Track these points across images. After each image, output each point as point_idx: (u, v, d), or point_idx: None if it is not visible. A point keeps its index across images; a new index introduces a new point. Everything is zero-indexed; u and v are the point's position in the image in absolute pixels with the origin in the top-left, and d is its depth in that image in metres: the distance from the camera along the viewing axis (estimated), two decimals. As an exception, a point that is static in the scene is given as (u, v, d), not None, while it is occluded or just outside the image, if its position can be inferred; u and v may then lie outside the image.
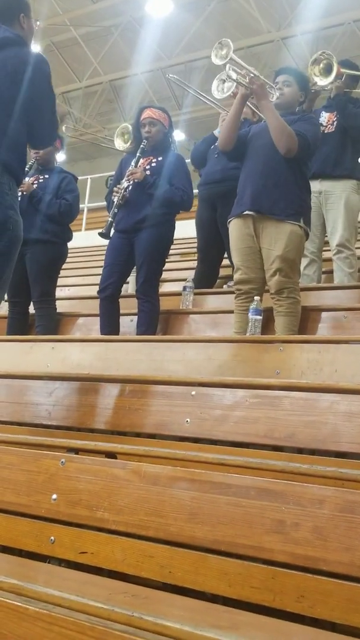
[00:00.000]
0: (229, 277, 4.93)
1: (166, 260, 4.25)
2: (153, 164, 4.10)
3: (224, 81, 4.42)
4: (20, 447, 2.18)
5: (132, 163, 4.12)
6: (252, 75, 3.56)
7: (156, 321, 4.02)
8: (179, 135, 13.52)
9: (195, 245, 5.16)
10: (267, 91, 3.60)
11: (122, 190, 4.06)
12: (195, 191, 5.00)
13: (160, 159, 4.11)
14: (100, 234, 4.18)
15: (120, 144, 5.48)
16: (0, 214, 2.71)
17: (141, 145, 4.15)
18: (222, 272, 5.05)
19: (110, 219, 4.11)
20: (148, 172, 4.06)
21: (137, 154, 4.15)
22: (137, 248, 3.99)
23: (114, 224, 4.09)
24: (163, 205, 4.00)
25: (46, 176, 4.54)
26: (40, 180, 4.51)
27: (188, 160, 4.92)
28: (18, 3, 2.92)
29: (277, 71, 3.86)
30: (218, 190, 4.55)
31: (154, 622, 1.21)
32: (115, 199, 4.07)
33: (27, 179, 4.48)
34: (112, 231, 4.10)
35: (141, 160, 4.13)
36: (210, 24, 12.82)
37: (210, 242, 4.79)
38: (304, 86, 3.79)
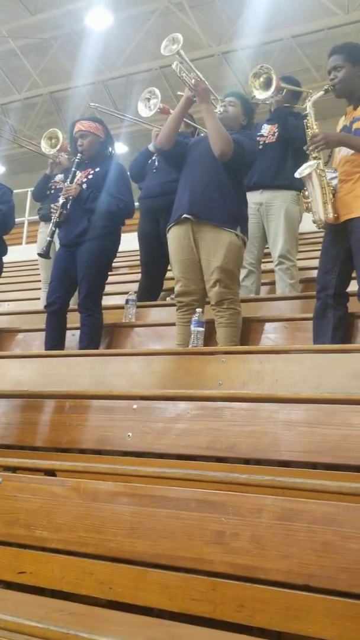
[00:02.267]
0: (172, 290, 4.95)
1: (109, 273, 4.24)
2: (90, 176, 4.08)
3: (148, 99, 4.49)
4: None
5: (68, 179, 4.12)
6: (198, 78, 3.62)
7: (99, 336, 3.99)
8: (121, 148, 13.54)
9: (137, 258, 5.16)
10: (210, 97, 3.65)
11: (59, 208, 4.04)
12: (136, 204, 5.02)
13: (97, 169, 4.10)
14: (39, 254, 4.15)
15: (45, 148, 5.44)
16: None
17: (75, 160, 4.14)
18: (165, 284, 5.06)
19: (49, 239, 4.10)
20: (85, 186, 4.04)
21: (73, 169, 4.14)
22: (79, 262, 3.97)
23: (56, 241, 4.07)
24: (102, 218, 3.99)
25: None
26: None
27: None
28: None
29: (227, 93, 3.93)
30: (158, 203, 4.57)
31: (88, 638, 1.20)
32: (53, 217, 4.06)
33: None
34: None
35: (79, 174, 4.12)
36: (150, 37, 12.89)
37: (153, 255, 4.80)
38: (248, 113, 3.86)
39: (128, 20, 12.78)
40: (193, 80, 3.62)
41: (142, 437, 2.56)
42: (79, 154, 4.12)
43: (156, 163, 4.75)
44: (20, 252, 8.06)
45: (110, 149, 4.23)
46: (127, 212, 4.09)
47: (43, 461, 2.13)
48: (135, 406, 2.62)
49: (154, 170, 4.74)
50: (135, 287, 4.87)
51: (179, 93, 4.10)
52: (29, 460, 2.15)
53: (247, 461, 2.40)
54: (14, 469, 2.05)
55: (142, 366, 3.35)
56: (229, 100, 3.80)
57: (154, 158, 4.80)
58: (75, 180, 4.09)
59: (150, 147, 4.87)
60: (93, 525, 1.82)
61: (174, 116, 3.73)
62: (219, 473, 2.01)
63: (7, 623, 1.26)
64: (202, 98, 3.61)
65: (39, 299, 5.54)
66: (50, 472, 2.06)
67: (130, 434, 2.57)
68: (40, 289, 5.62)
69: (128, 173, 4.47)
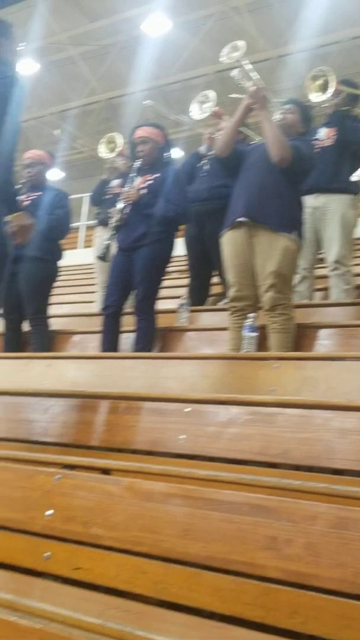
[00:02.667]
0: (221, 295, 4.96)
1: (164, 277, 4.28)
2: (149, 182, 4.14)
3: (202, 103, 4.52)
4: (15, 464, 2.19)
5: (127, 184, 4.17)
6: (258, 85, 3.64)
7: (153, 339, 4.03)
8: (177, 153, 13.63)
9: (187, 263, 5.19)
10: (268, 102, 3.67)
11: (119, 212, 4.11)
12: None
13: (156, 175, 4.15)
14: (98, 257, 4.23)
15: (103, 152, 5.51)
16: None
17: (136, 165, 4.20)
18: (214, 289, 5.09)
19: (107, 242, 4.16)
20: (144, 191, 4.10)
21: (131, 175, 4.20)
22: (135, 266, 4.03)
23: (113, 245, 4.14)
24: (159, 223, 4.04)
25: (38, 194, 4.59)
26: (32, 198, 4.56)
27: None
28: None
29: (285, 100, 3.93)
30: (205, 208, 4.58)
31: (145, 637, 1.22)
32: (112, 222, 4.13)
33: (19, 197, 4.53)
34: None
35: (138, 179, 4.18)
36: (207, 42, 12.96)
37: (199, 259, 4.83)
38: (306, 120, 3.86)
39: (185, 25, 12.87)
40: (253, 87, 3.65)
41: (195, 440, 2.58)
42: (138, 160, 4.18)
43: (206, 167, 4.77)
44: (77, 256, 8.18)
45: (168, 154, 4.27)
46: (183, 218, 4.13)
47: (99, 460, 2.17)
48: (188, 409, 2.64)
49: (203, 174, 4.76)
50: (184, 291, 4.91)
51: (231, 96, 4.13)
52: (85, 459, 2.19)
53: (298, 468, 2.39)
54: (71, 467, 2.09)
55: (195, 370, 3.38)
56: (287, 108, 3.80)
57: (204, 161, 4.82)
58: (134, 185, 4.14)
59: (202, 149, 4.88)
60: (147, 525, 1.85)
61: (232, 123, 3.76)
62: (273, 479, 2.01)
63: (65, 618, 1.30)
64: (261, 105, 3.63)
65: (94, 302, 5.63)
66: (106, 471, 2.10)
67: (182, 436, 2.60)
68: (95, 292, 5.71)
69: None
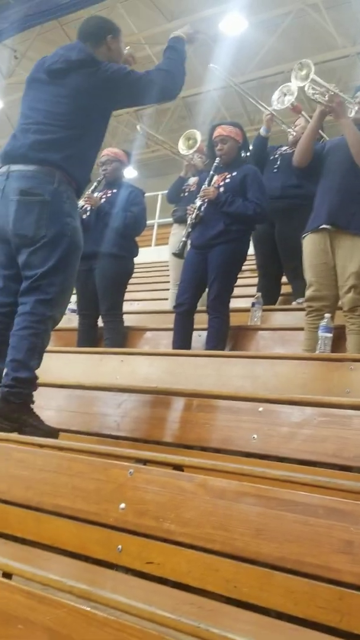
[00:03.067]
0: (291, 294, 4.90)
1: (238, 276, 4.27)
2: (227, 180, 4.13)
3: (285, 94, 4.47)
4: (90, 456, 2.22)
5: (206, 182, 4.17)
6: (331, 93, 3.59)
7: (225, 337, 4.03)
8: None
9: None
10: (345, 107, 3.62)
11: (196, 210, 4.11)
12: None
13: (234, 174, 4.13)
14: (174, 254, 4.25)
15: (183, 148, 5.50)
16: (58, 221, 2.79)
17: (214, 164, 4.19)
18: (284, 289, 5.04)
19: (183, 239, 4.18)
20: (222, 189, 4.09)
21: (211, 172, 4.20)
22: (210, 264, 4.03)
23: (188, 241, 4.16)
24: (238, 222, 4.03)
25: (114, 191, 4.64)
26: (109, 195, 4.62)
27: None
28: (107, 24, 3.07)
29: (357, 87, 3.86)
30: (276, 206, 4.49)
31: (220, 635, 1.22)
32: (189, 219, 4.14)
33: (95, 193, 4.60)
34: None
35: (215, 178, 4.18)
36: (284, 40, 12.83)
37: (269, 257, 4.78)
38: None
39: (262, 24, 12.78)
40: (326, 96, 3.61)
41: (267, 439, 2.55)
42: (217, 158, 4.18)
43: (277, 163, 4.70)
44: (150, 254, 8.26)
45: (246, 153, 4.26)
46: (262, 217, 4.10)
47: (172, 456, 2.18)
48: (261, 409, 2.62)
49: (275, 171, 4.67)
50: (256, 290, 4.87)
51: (308, 93, 4.06)
52: (159, 454, 2.20)
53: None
54: (144, 462, 2.10)
55: (267, 369, 3.35)
56: None
57: (276, 156, 4.72)
58: (212, 183, 4.15)
59: (262, 131, 4.78)
60: (219, 523, 1.84)
61: (309, 131, 3.74)
62: (349, 482, 1.97)
63: (139, 610, 1.30)
64: (338, 113, 3.59)
65: (166, 299, 5.66)
66: (178, 467, 2.10)
67: (255, 435, 2.58)
68: (168, 289, 5.74)
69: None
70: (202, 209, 4.11)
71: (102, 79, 2.85)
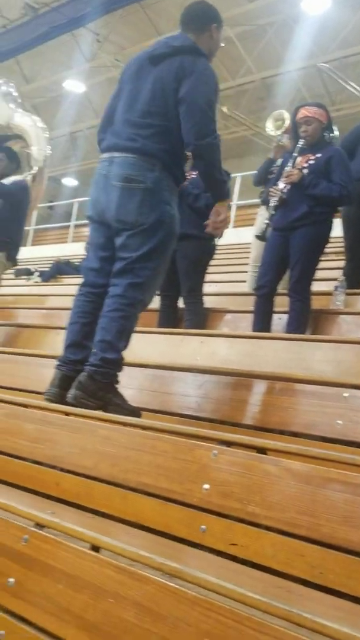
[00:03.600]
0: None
1: (321, 259, 4.18)
2: (311, 162, 4.04)
3: None
4: (173, 436, 2.22)
5: (289, 164, 4.10)
6: None
7: (307, 321, 3.96)
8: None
9: (342, 244, 5.02)
10: None
11: (279, 192, 4.05)
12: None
13: (318, 155, 4.04)
14: (257, 237, 4.21)
15: (271, 129, 5.41)
16: (158, 209, 2.83)
17: (298, 145, 4.11)
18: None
19: (266, 222, 4.13)
20: (306, 171, 4.01)
21: (294, 154, 4.12)
22: (292, 246, 3.96)
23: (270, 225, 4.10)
24: (321, 204, 3.95)
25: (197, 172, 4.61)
26: (192, 176, 4.59)
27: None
28: (214, 12, 3.06)
29: None
30: None
31: (312, 620, 1.19)
32: (272, 201, 4.08)
33: None
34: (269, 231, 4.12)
35: (299, 159, 4.09)
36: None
37: (357, 240, 4.66)
38: None
39: (346, 1, 12.41)
40: None
41: (353, 426, 2.50)
42: (301, 140, 4.10)
43: None
44: (229, 235, 8.20)
45: (330, 134, 4.16)
46: (348, 200, 4.00)
47: (257, 439, 2.15)
48: (346, 394, 2.56)
49: None
50: (338, 273, 4.76)
51: None
52: (243, 437, 2.18)
53: None
54: (228, 444, 2.09)
55: (350, 354, 3.27)
56: None
57: None
58: (295, 165, 4.07)
59: None
60: (305, 508, 1.81)
61: None
62: None
63: (229, 591, 1.29)
64: None
65: (244, 281, 5.62)
66: (262, 450, 2.08)
67: (339, 421, 2.53)
68: (246, 272, 5.69)
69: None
70: (286, 191, 4.05)
71: (194, 72, 2.84)
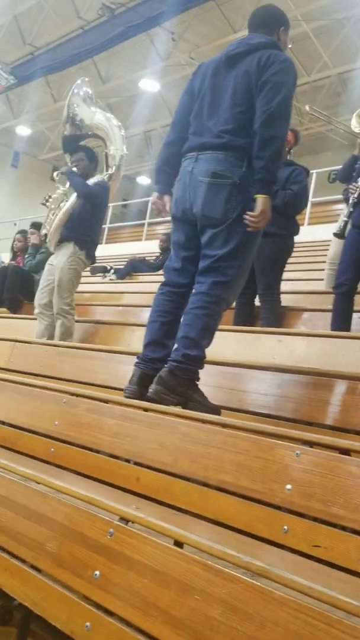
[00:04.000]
0: None
1: None
2: None
3: None
4: (254, 435, 2.21)
5: None
6: None
7: None
8: None
9: None
10: None
11: (358, 189, 3.97)
12: None
13: None
14: (335, 234, 4.15)
15: (356, 126, 5.28)
16: (244, 205, 2.82)
17: None
18: None
19: (344, 219, 4.06)
20: None
21: None
22: None
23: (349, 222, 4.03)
24: None
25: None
26: None
27: None
28: (281, 16, 3.09)
29: None
30: None
31: None
32: (351, 198, 4.01)
33: None
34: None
35: None
36: None
37: None
38: None
39: None
40: None
41: None
42: None
43: None
44: (304, 233, 8.10)
45: None
46: None
47: (341, 440, 2.12)
48: None
49: None
50: None
51: None
52: (327, 437, 2.15)
53: None
54: (311, 444, 2.06)
55: None
56: None
57: None
58: None
59: None
60: (392, 513, 1.77)
61: None
62: None
63: (319, 593, 1.27)
64: None
65: (321, 279, 5.53)
66: (345, 452, 2.04)
67: None
68: (322, 269, 5.60)
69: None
70: None
71: (276, 62, 2.82)
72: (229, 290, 2.87)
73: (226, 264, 2.83)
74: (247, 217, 2.82)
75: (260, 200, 2.82)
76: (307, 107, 8.22)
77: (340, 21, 13.45)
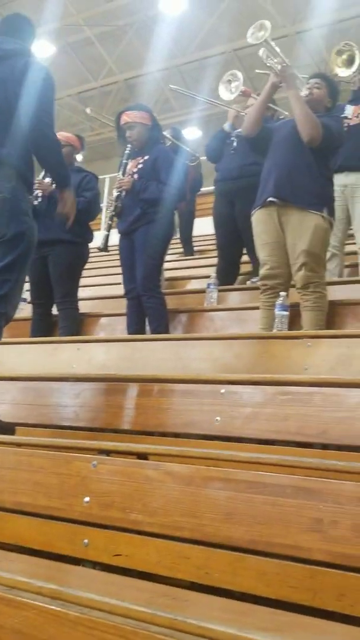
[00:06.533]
0: (250, 274, 4.89)
1: (165, 256, 4.27)
2: (140, 166, 4.08)
3: (229, 82, 4.44)
4: (50, 451, 2.16)
5: (120, 172, 4.13)
6: (285, 63, 3.57)
7: (166, 315, 4.00)
8: (195, 133, 13.46)
9: (214, 242, 5.12)
10: (295, 79, 3.62)
11: (114, 201, 4.08)
12: (212, 188, 4.96)
13: (146, 157, 4.08)
14: (99, 249, 4.26)
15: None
16: (17, 222, 2.77)
17: (126, 151, 4.14)
18: (242, 268, 5.02)
19: (105, 233, 4.16)
20: (136, 176, 4.05)
21: (123, 161, 4.15)
22: (136, 246, 4.01)
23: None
24: (154, 205, 4.00)
25: None
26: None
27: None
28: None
29: (312, 75, 3.86)
30: (236, 186, 4.54)
31: (197, 625, 1.18)
32: (108, 212, 4.12)
33: (46, 179, 4.48)
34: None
35: (130, 164, 4.12)
36: (224, 19, 12.75)
37: (229, 238, 4.77)
38: (333, 94, 3.78)
39: (201, 3, 12.66)
40: (279, 65, 3.58)
41: (230, 421, 2.53)
42: (128, 145, 4.12)
43: (234, 144, 4.70)
44: (98, 238, 8.13)
45: (156, 134, 4.19)
46: (177, 198, 4.09)
47: (136, 445, 2.13)
48: (223, 390, 2.60)
49: (232, 152, 4.69)
50: (209, 271, 4.85)
51: (257, 71, 4.06)
52: (122, 444, 2.15)
53: (339, 448, 2.34)
54: (107, 452, 2.05)
55: (226, 350, 3.32)
56: (314, 82, 3.72)
57: (232, 139, 4.74)
58: (127, 171, 4.09)
59: (226, 126, 4.80)
60: (188, 510, 1.80)
61: (259, 102, 3.70)
62: (315, 459, 1.96)
63: (112, 607, 1.26)
64: (289, 83, 3.57)
65: (120, 283, 5.58)
66: (143, 456, 2.06)
67: (218, 418, 2.55)
68: (121, 274, 5.65)
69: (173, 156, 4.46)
70: (121, 199, 4.10)
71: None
72: (7, 304, 2.79)
73: (2, 279, 2.76)
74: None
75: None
76: (87, 110, 8.25)
77: (123, 28, 13.72)
